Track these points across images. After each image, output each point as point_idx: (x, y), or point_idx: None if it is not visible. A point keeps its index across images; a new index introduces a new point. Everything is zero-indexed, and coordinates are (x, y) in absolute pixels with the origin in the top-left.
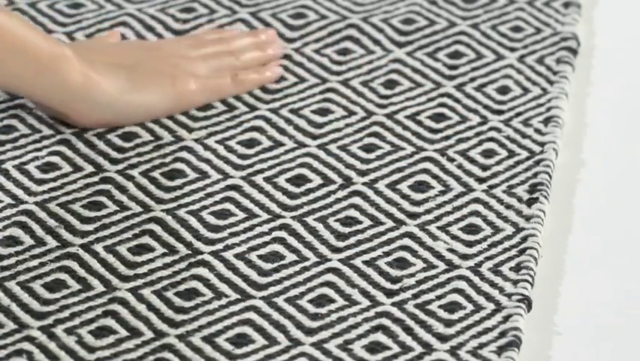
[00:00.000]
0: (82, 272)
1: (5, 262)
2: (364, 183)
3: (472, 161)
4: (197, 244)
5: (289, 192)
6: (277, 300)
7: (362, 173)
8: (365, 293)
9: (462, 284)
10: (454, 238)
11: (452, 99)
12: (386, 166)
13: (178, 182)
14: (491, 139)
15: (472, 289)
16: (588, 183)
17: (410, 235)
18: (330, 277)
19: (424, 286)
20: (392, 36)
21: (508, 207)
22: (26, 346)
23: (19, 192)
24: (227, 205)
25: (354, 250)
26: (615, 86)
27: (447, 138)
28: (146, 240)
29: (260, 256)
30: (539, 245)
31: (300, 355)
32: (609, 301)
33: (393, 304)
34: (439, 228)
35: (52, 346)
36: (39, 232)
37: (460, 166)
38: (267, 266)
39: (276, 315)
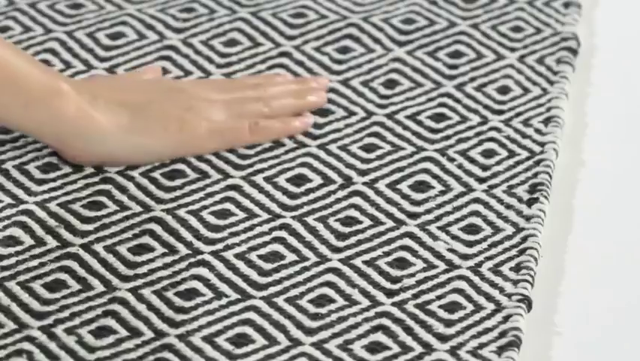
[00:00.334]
0: (82, 272)
1: (5, 262)
2: (364, 183)
3: (473, 161)
4: (198, 244)
5: (289, 192)
6: (277, 300)
7: (362, 173)
8: (365, 293)
9: (462, 284)
10: (454, 238)
11: (452, 99)
12: (386, 166)
13: (178, 182)
14: (491, 139)
15: (472, 289)
16: (588, 183)
17: (410, 235)
18: (330, 277)
19: (424, 286)
20: (392, 35)
21: (509, 207)
22: (26, 346)
23: (19, 192)
24: (228, 205)
25: (355, 249)
26: (615, 86)
27: (447, 137)
28: (146, 240)
29: (260, 256)
30: (539, 245)
31: (300, 355)
32: (609, 301)
33: (393, 304)
34: (439, 228)
35: (52, 346)
36: (39, 232)
37: (460, 166)
38: (267, 266)
39: (276, 315)
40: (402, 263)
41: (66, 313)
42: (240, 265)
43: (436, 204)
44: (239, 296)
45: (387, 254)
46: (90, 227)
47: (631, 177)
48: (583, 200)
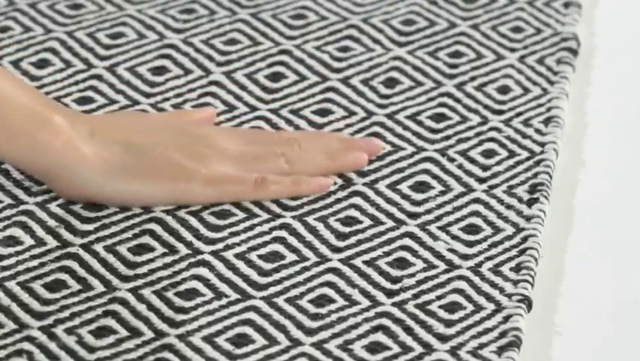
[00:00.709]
0: (82, 272)
1: (5, 262)
2: (364, 184)
3: (473, 161)
4: (198, 244)
5: None
6: (277, 300)
7: (362, 173)
8: (365, 293)
9: (462, 284)
10: (455, 238)
11: (452, 99)
12: (386, 166)
13: None
14: (491, 139)
15: (473, 290)
16: (588, 183)
17: (410, 235)
18: (330, 277)
19: (424, 286)
20: (392, 36)
21: (509, 207)
22: (26, 346)
23: (19, 192)
24: (227, 205)
25: (355, 249)
26: (615, 86)
27: (447, 138)
28: (146, 240)
29: (260, 256)
30: (539, 245)
31: (300, 355)
32: (609, 301)
33: (393, 304)
34: (439, 228)
35: (52, 346)
36: (39, 232)
37: (460, 166)
38: (267, 266)
39: (276, 315)
40: (402, 263)
41: (66, 314)
42: (240, 265)
43: (436, 204)
44: (239, 296)
45: (387, 254)
46: (90, 227)
47: (631, 177)
48: (583, 200)
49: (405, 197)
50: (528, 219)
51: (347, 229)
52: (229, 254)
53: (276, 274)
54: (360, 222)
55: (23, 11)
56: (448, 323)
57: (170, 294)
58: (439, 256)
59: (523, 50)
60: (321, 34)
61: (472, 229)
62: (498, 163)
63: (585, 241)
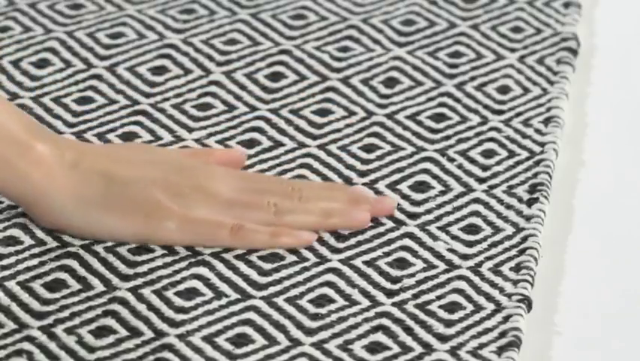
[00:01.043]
0: (82, 272)
1: (5, 262)
2: (364, 184)
3: (473, 161)
4: None
5: None
6: (277, 300)
7: (362, 173)
8: (365, 293)
9: (462, 284)
10: (454, 238)
11: (452, 99)
12: (386, 166)
13: None
14: (491, 139)
15: (472, 290)
16: (588, 183)
17: (410, 236)
18: (330, 277)
19: (424, 286)
20: (392, 36)
21: (509, 207)
22: (26, 346)
23: None
24: None
25: (355, 250)
26: (615, 86)
27: (447, 138)
28: None
29: (260, 257)
30: (539, 245)
31: (300, 355)
32: (609, 301)
33: (393, 304)
34: (439, 228)
35: (52, 346)
36: (39, 233)
37: (460, 166)
38: (267, 266)
39: (276, 315)
40: (402, 263)
41: (66, 313)
42: (240, 265)
43: (436, 204)
44: (239, 296)
45: (387, 254)
46: None
47: (631, 177)
48: (583, 200)
49: (405, 197)
50: (528, 219)
51: (347, 230)
52: (229, 254)
53: (275, 273)
54: None
55: (23, 11)
56: (448, 323)
57: (170, 294)
58: (438, 256)
59: (523, 50)
60: (321, 34)
61: (472, 229)
62: (498, 163)
63: (585, 241)
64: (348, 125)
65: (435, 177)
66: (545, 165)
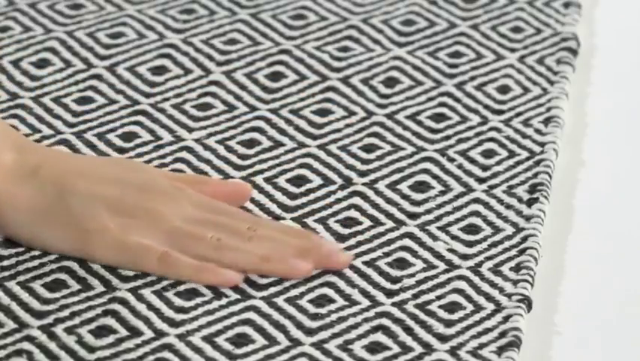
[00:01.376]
0: (82, 272)
1: (5, 262)
2: (364, 184)
3: (473, 161)
4: None
5: (289, 193)
6: (277, 300)
7: (362, 173)
8: (365, 293)
9: (462, 284)
10: (454, 238)
11: (452, 99)
12: (386, 166)
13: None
14: (491, 139)
15: (472, 290)
16: (588, 183)
17: (410, 236)
18: (330, 277)
19: (424, 286)
20: (392, 37)
21: (509, 207)
22: (26, 346)
23: None
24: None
25: (354, 250)
26: (615, 86)
27: (447, 138)
28: None
29: None
30: (539, 245)
31: (300, 355)
32: (609, 301)
33: (393, 304)
34: (439, 228)
35: (52, 346)
36: None
37: (460, 166)
38: None
39: (276, 315)
40: (402, 263)
41: (66, 313)
42: None
43: (436, 204)
44: (239, 296)
45: (387, 255)
46: None
47: (631, 177)
48: (583, 200)
49: (405, 197)
50: (528, 219)
51: (347, 231)
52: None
53: None
54: (360, 223)
55: (23, 11)
56: (448, 323)
57: (170, 294)
58: (438, 256)
59: (523, 50)
60: (320, 34)
61: (472, 229)
62: (498, 163)
63: (585, 241)
64: (348, 125)
65: (435, 177)
66: (545, 165)
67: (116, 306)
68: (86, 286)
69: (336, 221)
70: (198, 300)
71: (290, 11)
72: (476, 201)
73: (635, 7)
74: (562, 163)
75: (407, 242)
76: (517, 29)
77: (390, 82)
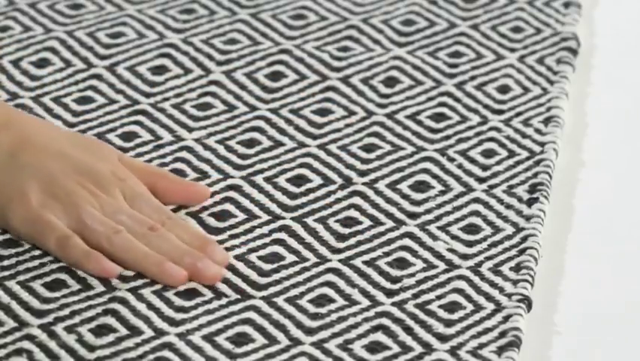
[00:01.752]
0: (82, 273)
1: (5, 262)
2: (364, 183)
3: (473, 161)
4: None
5: (289, 193)
6: (277, 300)
7: (362, 173)
8: (365, 293)
9: (462, 284)
10: (454, 237)
11: (452, 98)
12: (386, 166)
13: None
14: (491, 139)
15: (472, 289)
16: (588, 183)
17: (410, 235)
18: (330, 277)
19: (424, 286)
20: (392, 37)
21: (509, 207)
22: (26, 345)
23: None
24: (227, 206)
25: (354, 250)
26: (615, 86)
27: (447, 137)
28: None
29: (260, 257)
30: (539, 245)
31: (300, 354)
32: (609, 301)
33: (393, 304)
34: (439, 228)
35: (52, 345)
36: None
37: (460, 166)
38: (267, 267)
39: (276, 315)
40: (402, 263)
41: (66, 312)
42: (240, 265)
43: (435, 204)
44: (239, 296)
45: (387, 254)
46: None
47: (631, 177)
48: (583, 200)
49: (404, 197)
50: (528, 218)
51: (347, 230)
52: (229, 255)
53: (275, 274)
54: (360, 222)
55: (23, 11)
56: (448, 323)
57: (170, 294)
58: (438, 256)
59: (523, 49)
60: (320, 34)
61: (472, 229)
62: (498, 163)
63: (585, 241)
64: (348, 125)
65: (435, 176)
66: (545, 164)
67: (116, 305)
68: (86, 285)
69: (336, 221)
70: (198, 300)
71: (290, 11)
72: (476, 200)
73: (635, 7)
74: (562, 163)
75: (407, 242)
76: (517, 29)
77: (390, 82)
